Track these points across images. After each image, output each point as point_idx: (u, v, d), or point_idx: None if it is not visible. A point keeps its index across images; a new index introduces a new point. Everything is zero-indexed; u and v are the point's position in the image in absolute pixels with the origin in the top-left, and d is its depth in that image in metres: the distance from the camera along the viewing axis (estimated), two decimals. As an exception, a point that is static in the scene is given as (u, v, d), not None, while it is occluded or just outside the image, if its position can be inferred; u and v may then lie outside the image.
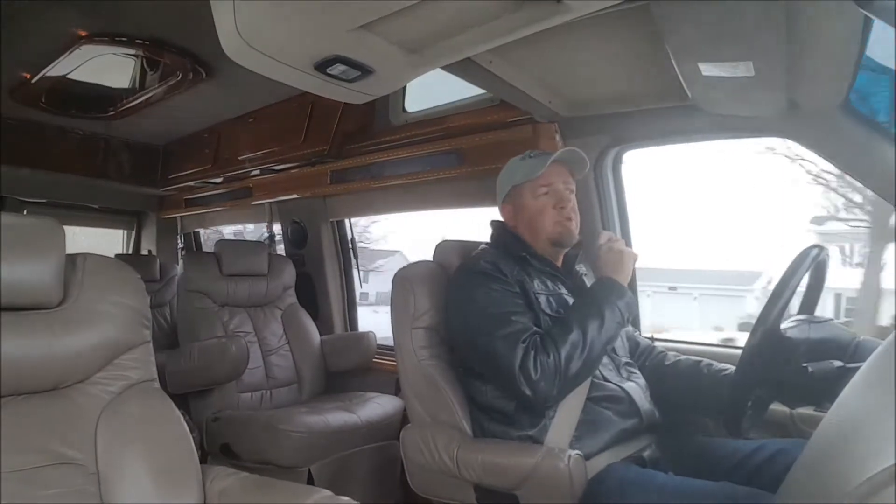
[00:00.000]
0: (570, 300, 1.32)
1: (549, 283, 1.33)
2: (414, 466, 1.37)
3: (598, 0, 0.98)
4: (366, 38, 1.05)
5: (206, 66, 2.15)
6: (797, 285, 1.07)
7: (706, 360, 1.38)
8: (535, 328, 1.22)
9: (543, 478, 1.11)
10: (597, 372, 1.25)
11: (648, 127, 1.65)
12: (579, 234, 1.39)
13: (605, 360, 1.29)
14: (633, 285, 1.83)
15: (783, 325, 1.08)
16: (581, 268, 1.45)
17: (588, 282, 1.42)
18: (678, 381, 1.38)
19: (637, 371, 1.35)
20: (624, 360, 1.35)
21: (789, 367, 1.05)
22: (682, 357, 1.43)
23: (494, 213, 1.50)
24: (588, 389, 1.22)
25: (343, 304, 2.83)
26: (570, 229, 1.35)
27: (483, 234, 1.50)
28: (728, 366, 1.31)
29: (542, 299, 1.29)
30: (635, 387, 1.28)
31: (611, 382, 1.26)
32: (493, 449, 1.23)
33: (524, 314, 1.24)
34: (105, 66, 2.18)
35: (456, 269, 1.40)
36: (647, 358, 1.45)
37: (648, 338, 1.69)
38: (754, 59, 1.08)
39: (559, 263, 1.41)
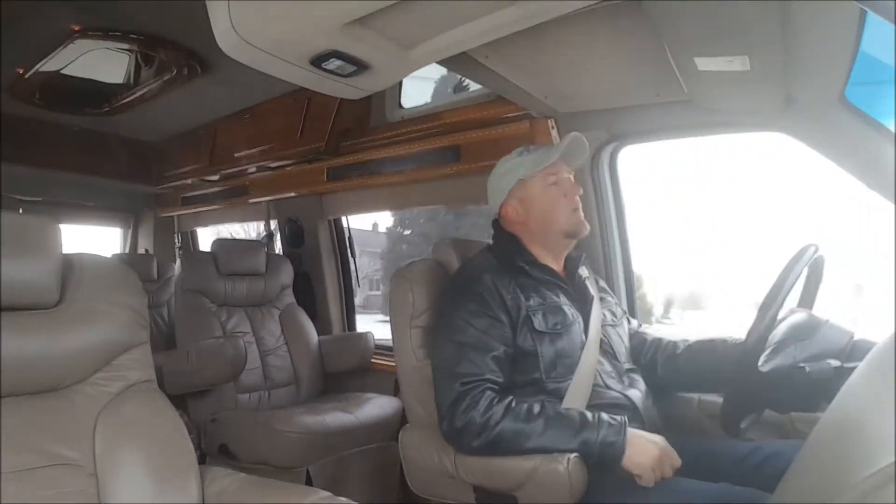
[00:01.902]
0: (569, 310, 1.28)
1: (548, 295, 1.28)
2: (413, 467, 1.36)
3: (594, -5, 0.98)
4: (361, 33, 1.04)
5: (201, 61, 2.14)
6: (793, 285, 1.07)
7: (718, 337, 1.37)
8: (487, 375, 1.18)
9: (543, 480, 1.10)
10: (599, 379, 1.23)
11: (645, 122, 1.65)
12: None
13: (608, 367, 1.27)
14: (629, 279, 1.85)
15: (765, 356, 1.07)
16: (583, 271, 1.41)
17: (590, 286, 1.39)
18: (696, 364, 1.35)
19: (639, 377, 1.32)
20: (626, 366, 1.32)
21: (778, 387, 1.05)
22: (693, 341, 1.41)
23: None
24: (590, 397, 1.20)
25: (341, 303, 2.82)
26: (581, 220, 1.33)
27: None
28: (741, 338, 1.27)
29: (538, 317, 1.24)
30: (637, 393, 1.26)
31: (613, 390, 1.24)
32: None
33: (484, 352, 1.19)
34: (99, 62, 2.18)
35: (456, 272, 1.39)
36: (657, 351, 1.43)
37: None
38: (750, 54, 1.08)
39: (561, 268, 1.37)
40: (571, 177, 1.37)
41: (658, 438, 1.11)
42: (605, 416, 1.12)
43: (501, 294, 1.24)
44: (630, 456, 1.08)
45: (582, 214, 1.34)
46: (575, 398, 1.19)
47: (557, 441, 1.10)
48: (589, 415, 1.13)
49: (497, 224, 1.42)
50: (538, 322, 1.23)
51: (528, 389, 1.21)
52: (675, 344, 1.42)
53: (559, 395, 1.20)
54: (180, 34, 1.97)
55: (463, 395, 1.15)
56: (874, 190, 1.27)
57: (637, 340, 1.45)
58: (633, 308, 1.84)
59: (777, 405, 1.14)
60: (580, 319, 1.29)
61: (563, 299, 1.30)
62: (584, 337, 1.27)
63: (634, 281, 1.88)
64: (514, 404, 1.14)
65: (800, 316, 1.16)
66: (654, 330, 1.54)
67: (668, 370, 1.38)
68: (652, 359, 1.41)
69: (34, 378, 0.95)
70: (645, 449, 1.08)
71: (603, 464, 1.09)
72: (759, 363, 1.06)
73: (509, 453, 1.13)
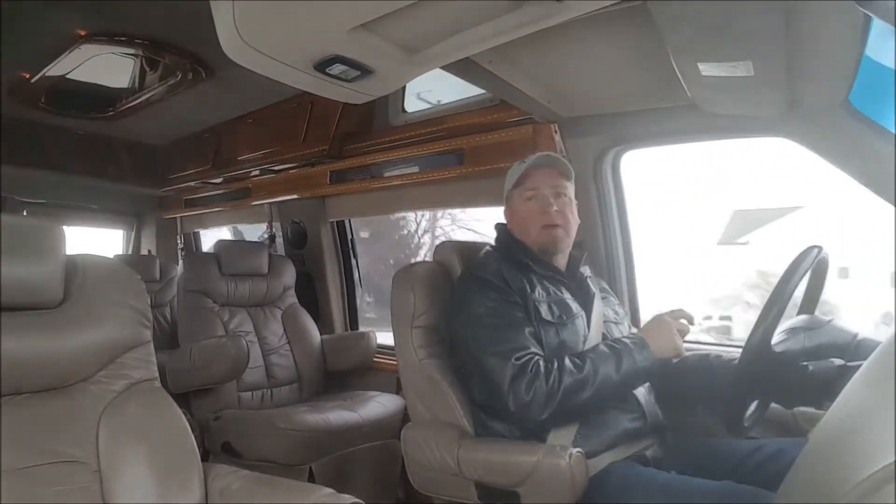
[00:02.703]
0: (573, 304, 1.32)
1: (550, 289, 1.32)
2: (415, 465, 1.37)
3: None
4: (365, 38, 1.05)
5: (205, 66, 2.15)
6: (797, 284, 1.08)
7: (714, 353, 1.38)
8: (532, 348, 1.20)
9: (545, 476, 1.11)
10: None
11: (648, 127, 1.65)
12: (581, 236, 1.38)
13: None
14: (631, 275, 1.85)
15: (776, 339, 1.08)
16: (585, 270, 1.44)
17: (591, 284, 1.42)
18: (689, 376, 1.37)
19: None
20: None
21: (781, 380, 1.06)
22: (689, 353, 1.41)
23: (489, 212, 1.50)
24: None
25: (343, 303, 2.83)
26: (553, 236, 1.33)
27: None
28: (736, 355, 1.29)
29: (543, 308, 1.27)
30: (641, 389, 1.27)
31: None
32: (495, 447, 1.23)
33: (520, 328, 1.22)
34: (104, 66, 2.19)
35: (462, 273, 1.41)
36: None
37: None
38: (753, 59, 1.08)
39: (563, 266, 1.39)
40: (561, 189, 1.36)
41: (664, 316, 1.24)
42: (626, 339, 1.23)
43: (510, 283, 1.27)
44: (658, 349, 1.20)
45: (561, 231, 1.33)
46: None
47: (608, 377, 1.16)
48: (614, 344, 1.22)
49: (500, 225, 1.45)
50: (545, 311, 1.27)
51: None
52: None
53: None
54: (185, 39, 1.98)
55: (522, 369, 1.17)
56: (876, 194, 1.27)
57: None
58: (636, 312, 1.85)
59: (782, 399, 1.14)
60: (583, 314, 1.32)
61: (566, 294, 1.33)
62: (587, 331, 1.30)
63: (637, 285, 1.88)
64: (565, 362, 1.18)
65: (803, 317, 1.16)
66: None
67: (662, 378, 1.36)
68: None
69: (38, 376, 0.95)
70: (662, 335, 1.21)
71: (645, 377, 1.22)
72: (773, 342, 1.07)
73: (575, 409, 1.17)
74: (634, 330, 1.54)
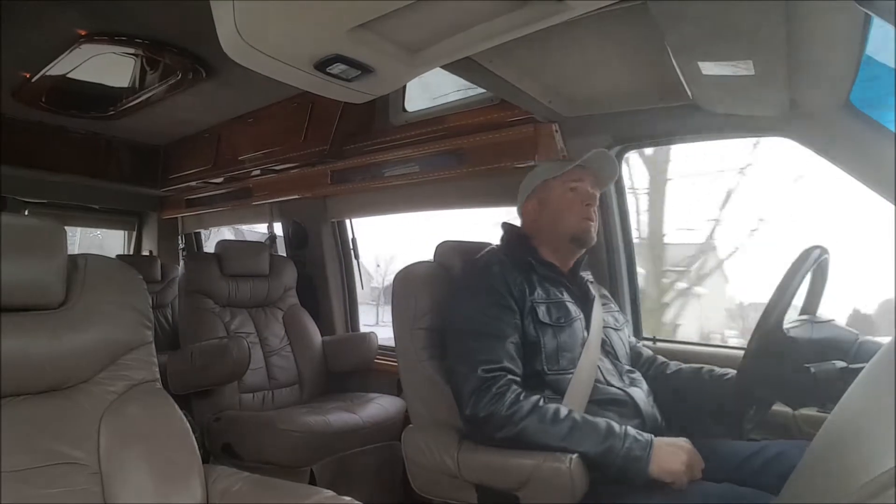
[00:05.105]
0: (572, 307, 1.32)
1: (551, 290, 1.32)
2: (415, 467, 1.37)
3: (599, -1, 0.98)
4: (366, 37, 1.04)
5: (205, 65, 2.15)
6: (799, 285, 1.07)
7: (707, 367, 1.38)
8: (506, 363, 1.18)
9: (545, 479, 1.10)
10: (600, 376, 1.25)
11: (649, 126, 1.65)
12: None
13: (609, 365, 1.30)
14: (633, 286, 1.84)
15: (786, 325, 1.08)
16: (586, 274, 1.44)
17: (593, 289, 1.42)
18: (681, 389, 1.37)
19: (640, 377, 1.34)
20: (626, 367, 1.35)
21: (792, 366, 1.05)
22: (684, 366, 1.42)
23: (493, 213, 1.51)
24: (591, 393, 1.22)
25: (344, 304, 2.83)
26: (591, 230, 1.37)
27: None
28: (730, 370, 1.31)
29: (542, 309, 1.27)
30: (639, 391, 1.28)
31: (614, 387, 1.25)
32: (494, 450, 1.22)
33: (503, 339, 1.21)
34: (105, 66, 2.18)
35: (463, 269, 1.42)
36: (648, 368, 1.45)
37: (650, 338, 1.69)
38: (754, 58, 1.08)
39: (566, 268, 1.40)
40: (596, 192, 1.40)
41: (683, 442, 1.10)
42: (631, 429, 1.10)
43: (509, 285, 1.27)
44: (659, 465, 1.06)
45: (595, 227, 1.37)
46: (576, 392, 1.21)
47: (581, 445, 1.09)
48: (616, 426, 1.11)
49: (506, 224, 1.47)
50: (542, 314, 1.26)
51: (529, 381, 1.22)
52: (666, 365, 1.44)
53: (560, 389, 1.22)
54: (185, 38, 1.98)
55: (486, 384, 1.16)
56: (877, 193, 1.27)
57: (634, 354, 1.47)
58: (637, 320, 1.84)
59: (785, 400, 1.14)
60: (582, 317, 1.32)
61: (566, 296, 1.33)
62: (585, 334, 1.30)
63: (639, 293, 1.87)
64: (541, 403, 1.15)
65: (805, 318, 1.16)
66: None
67: (655, 389, 1.36)
68: (644, 375, 1.41)
69: (39, 378, 0.95)
70: (674, 455, 1.07)
71: (624, 475, 1.07)
72: (784, 325, 1.07)
73: (530, 448, 1.14)
74: (633, 339, 1.54)
